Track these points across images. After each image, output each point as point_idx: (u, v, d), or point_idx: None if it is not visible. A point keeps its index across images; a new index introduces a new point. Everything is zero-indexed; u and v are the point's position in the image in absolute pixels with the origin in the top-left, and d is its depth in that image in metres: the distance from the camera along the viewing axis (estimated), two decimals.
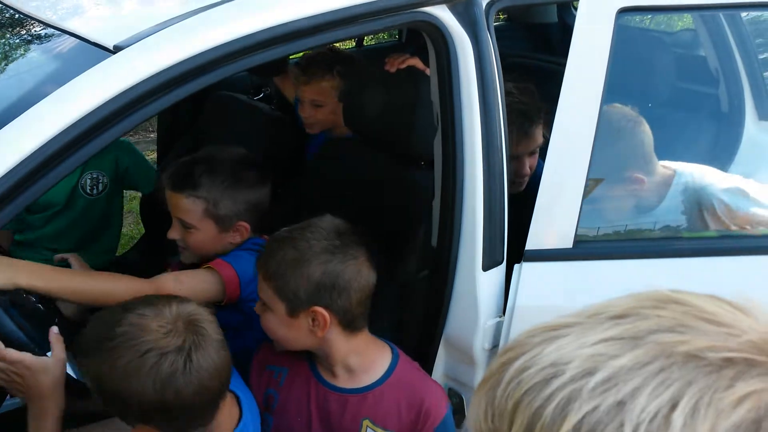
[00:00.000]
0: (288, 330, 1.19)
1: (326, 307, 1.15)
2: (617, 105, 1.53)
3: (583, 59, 1.32)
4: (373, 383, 1.22)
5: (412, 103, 1.61)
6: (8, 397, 1.39)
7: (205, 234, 1.46)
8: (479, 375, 1.35)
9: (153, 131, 4.72)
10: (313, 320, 1.16)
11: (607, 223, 1.46)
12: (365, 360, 1.23)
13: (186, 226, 1.45)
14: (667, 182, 1.54)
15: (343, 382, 1.23)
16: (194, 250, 1.50)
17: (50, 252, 1.97)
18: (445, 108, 1.32)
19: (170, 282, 1.31)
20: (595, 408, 0.45)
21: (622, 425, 0.44)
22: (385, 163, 1.80)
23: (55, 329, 1.17)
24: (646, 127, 1.52)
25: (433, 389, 1.24)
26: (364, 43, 3.57)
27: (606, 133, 1.42)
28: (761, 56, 2.02)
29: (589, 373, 0.47)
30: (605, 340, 0.48)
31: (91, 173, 2.11)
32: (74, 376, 1.15)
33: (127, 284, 1.25)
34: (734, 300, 0.49)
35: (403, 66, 1.71)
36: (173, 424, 1.01)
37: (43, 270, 1.20)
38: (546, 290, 1.27)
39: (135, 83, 0.93)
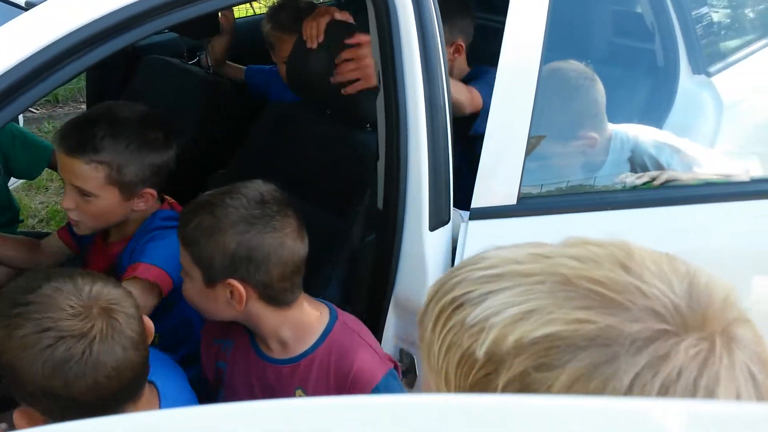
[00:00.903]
0: (207, 300, 1.13)
1: (242, 280, 1.08)
2: (573, 62, 1.53)
3: (522, 15, 1.30)
4: (303, 352, 1.17)
5: None
6: None
7: (106, 202, 1.32)
8: None
9: (83, 101, 4.49)
10: (231, 293, 1.10)
11: (551, 180, 1.47)
12: (297, 331, 1.17)
13: (84, 194, 1.31)
14: (608, 139, 1.57)
15: (278, 353, 1.18)
16: (92, 221, 1.37)
17: None
18: (386, 67, 1.29)
19: None
20: (469, 291, 0.52)
21: (475, 315, 0.50)
22: (330, 127, 1.76)
23: None
24: (600, 86, 1.52)
25: (366, 354, 1.16)
26: None
27: (552, 91, 1.42)
28: (694, 12, 2.06)
29: (488, 267, 0.53)
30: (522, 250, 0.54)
31: None
32: None
33: None
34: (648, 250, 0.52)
35: (322, 34, 1.63)
36: (62, 414, 0.90)
37: None
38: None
39: (50, 42, 0.86)
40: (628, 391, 0.44)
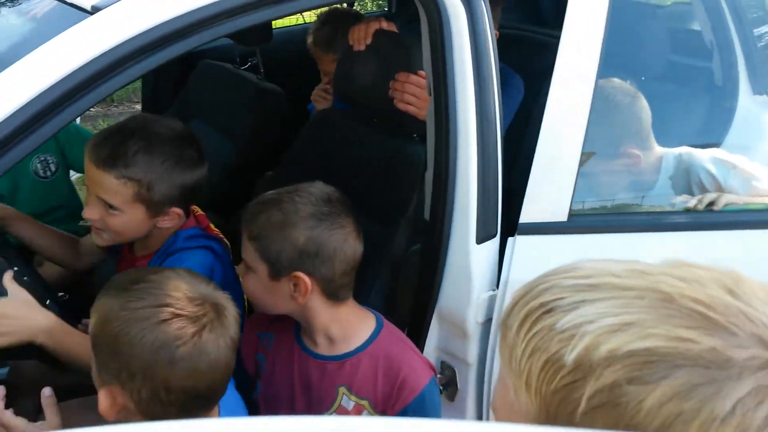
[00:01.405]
0: (269, 293, 1.17)
1: (309, 274, 1.13)
2: (615, 79, 1.50)
3: (579, 30, 1.28)
4: (351, 351, 1.20)
5: (404, 71, 1.58)
6: None
7: (130, 218, 1.27)
8: (472, 348, 1.34)
9: (138, 101, 4.63)
10: (295, 285, 1.14)
11: (602, 197, 1.44)
12: (347, 329, 1.21)
13: (110, 207, 1.26)
14: (659, 157, 1.53)
15: (323, 349, 1.21)
16: (114, 234, 1.31)
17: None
18: (437, 78, 1.29)
19: None
20: (560, 298, 0.52)
21: (566, 321, 0.50)
22: (377, 135, 1.77)
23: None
24: (644, 103, 1.49)
25: (413, 361, 1.21)
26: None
27: (602, 107, 1.39)
28: (756, 30, 1.99)
29: (583, 276, 0.53)
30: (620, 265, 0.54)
31: (38, 156, 2.00)
32: None
33: None
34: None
35: (370, 36, 1.64)
36: (148, 402, 0.91)
37: (64, 333, 1.17)
38: (540, 263, 1.25)
39: (113, 46, 0.89)
40: (729, 416, 0.43)
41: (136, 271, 1.00)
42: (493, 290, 1.32)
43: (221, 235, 1.46)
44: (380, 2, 4.31)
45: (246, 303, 1.52)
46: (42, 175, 2.05)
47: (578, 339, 0.49)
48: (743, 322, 0.46)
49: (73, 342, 1.19)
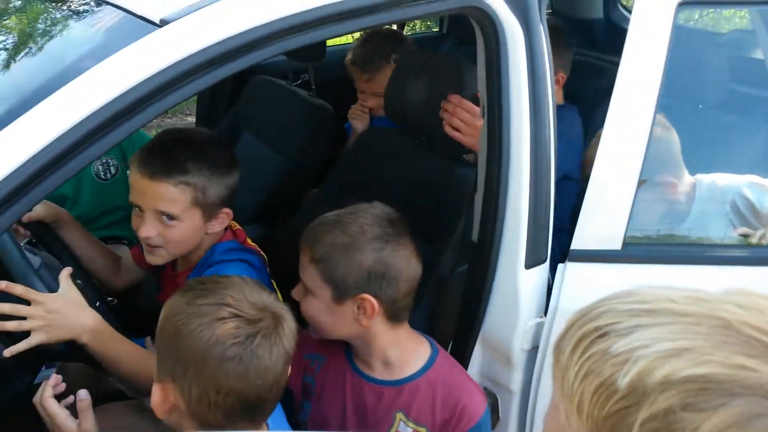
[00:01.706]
0: (331, 316, 1.15)
1: (375, 296, 1.12)
2: None
3: (640, 58, 1.25)
4: (409, 376, 1.19)
5: (457, 93, 1.57)
6: (44, 367, 1.41)
7: (188, 225, 1.29)
8: (516, 376, 1.31)
9: (190, 114, 4.75)
10: (359, 308, 1.13)
11: (654, 227, 1.40)
12: (404, 353, 1.20)
13: (167, 219, 1.28)
14: (692, 185, 1.48)
15: (380, 374, 1.20)
16: (173, 247, 1.33)
17: None
18: (492, 100, 1.28)
19: None
20: (616, 323, 0.52)
21: (620, 346, 0.49)
22: (426, 155, 1.76)
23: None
24: (675, 135, 1.46)
25: (471, 390, 1.20)
26: (406, 33, 3.52)
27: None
28: None
29: (639, 301, 0.52)
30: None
31: (100, 159, 2.05)
32: None
33: None
34: None
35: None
36: (197, 401, 0.92)
37: (108, 336, 1.19)
38: (592, 292, 1.22)
39: (181, 59, 0.91)
40: None
41: (207, 276, 1.03)
42: (541, 317, 1.29)
43: (258, 249, 1.48)
44: (429, 23, 4.33)
45: None
46: (102, 177, 2.11)
47: (632, 363, 0.48)
48: None
49: (117, 347, 1.20)
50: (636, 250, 1.26)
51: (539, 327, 1.29)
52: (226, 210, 1.35)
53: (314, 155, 2.28)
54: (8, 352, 1.12)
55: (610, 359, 0.50)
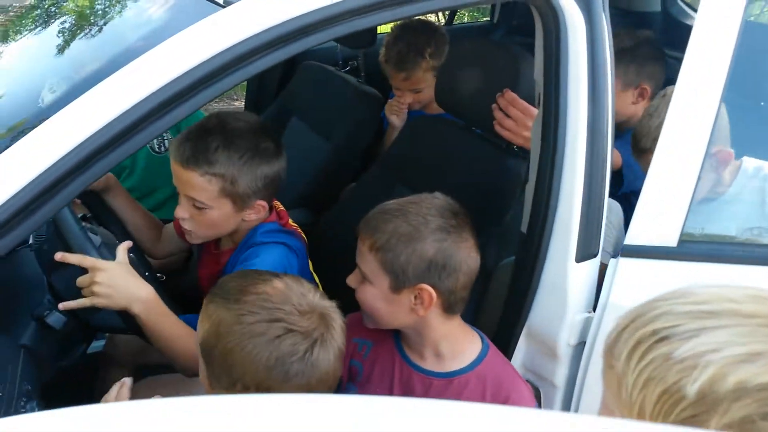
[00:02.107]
0: (387, 305, 1.15)
1: (433, 286, 1.12)
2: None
3: (706, 51, 1.21)
4: (460, 369, 1.18)
5: (511, 82, 1.55)
6: (95, 338, 1.45)
7: (219, 213, 1.32)
8: (561, 371, 1.29)
9: (237, 99, 4.81)
10: (416, 297, 1.13)
11: (713, 224, 1.36)
12: (455, 346, 1.20)
13: (198, 206, 1.32)
14: (738, 167, 1.40)
15: (430, 364, 1.20)
16: (204, 230, 1.37)
17: None
18: (549, 89, 1.25)
19: None
20: (676, 325, 0.50)
21: (684, 350, 0.48)
22: (476, 145, 1.75)
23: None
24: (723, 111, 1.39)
25: (520, 387, 1.19)
26: (455, 22, 3.49)
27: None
28: None
29: (698, 302, 0.51)
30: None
31: None
32: None
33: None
34: None
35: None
36: None
37: (158, 309, 1.20)
38: (644, 289, 1.19)
39: (244, 39, 0.92)
40: None
41: (241, 277, 1.01)
42: (589, 312, 1.27)
43: (299, 230, 1.49)
44: (475, 14, 4.27)
45: None
46: (157, 150, 2.15)
47: (701, 369, 0.46)
48: None
49: (166, 320, 1.22)
50: (692, 247, 1.23)
51: (587, 322, 1.27)
52: (261, 202, 1.35)
53: (362, 141, 2.29)
54: (63, 306, 1.15)
55: (674, 365, 0.48)
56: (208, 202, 1.31)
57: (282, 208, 1.50)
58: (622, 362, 0.52)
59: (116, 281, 1.16)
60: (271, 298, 0.94)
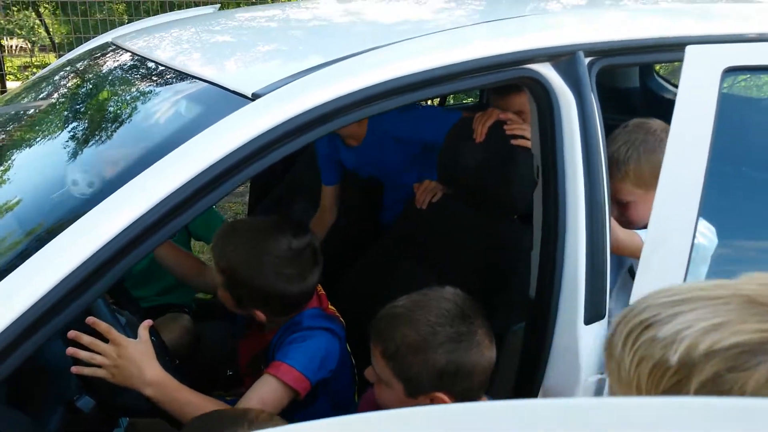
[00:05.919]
0: (404, 406, 1.15)
1: (447, 393, 1.13)
2: (656, 120, 1.63)
3: (689, 119, 1.31)
4: None
5: (510, 156, 1.65)
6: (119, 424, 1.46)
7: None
8: None
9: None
10: (432, 400, 1.14)
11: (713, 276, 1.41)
12: None
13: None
14: None
15: None
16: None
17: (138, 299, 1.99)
18: (546, 162, 1.34)
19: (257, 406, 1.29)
20: (657, 314, 0.60)
21: (666, 331, 0.58)
22: (473, 216, 1.82)
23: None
24: None
25: None
26: (446, 103, 3.66)
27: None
28: None
29: (673, 294, 0.62)
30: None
31: None
32: None
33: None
34: None
35: (489, 125, 1.74)
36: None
37: (173, 389, 1.25)
38: None
39: (270, 128, 1.00)
40: None
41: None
42: (601, 373, 1.31)
43: (338, 315, 1.57)
44: (461, 96, 4.42)
45: (355, 371, 1.58)
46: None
47: (679, 343, 0.58)
48: None
49: (183, 398, 1.25)
50: None
51: (600, 383, 1.30)
52: (259, 315, 1.47)
53: (366, 223, 2.36)
54: (75, 370, 1.18)
55: (659, 343, 0.59)
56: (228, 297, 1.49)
57: (323, 291, 1.59)
58: (619, 349, 0.63)
59: (131, 360, 1.20)
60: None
